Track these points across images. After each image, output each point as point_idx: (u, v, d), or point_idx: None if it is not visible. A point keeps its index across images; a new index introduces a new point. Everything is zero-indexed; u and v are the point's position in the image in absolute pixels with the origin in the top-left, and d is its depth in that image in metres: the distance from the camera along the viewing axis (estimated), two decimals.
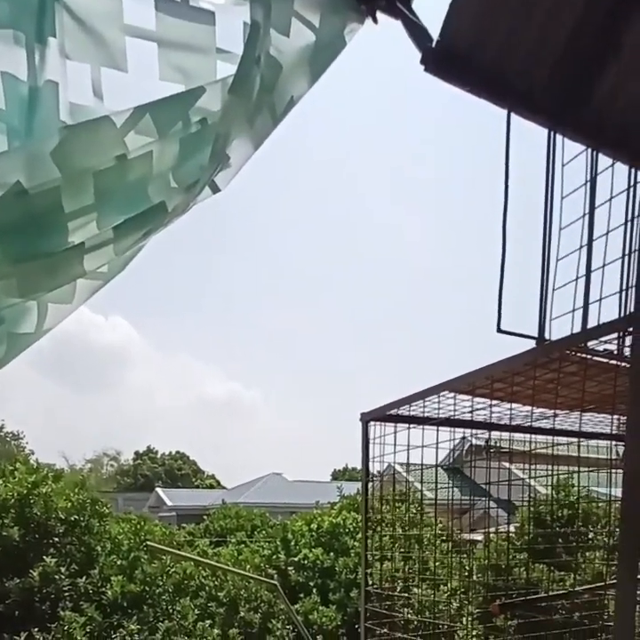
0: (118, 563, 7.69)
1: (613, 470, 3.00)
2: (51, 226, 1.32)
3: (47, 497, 7.47)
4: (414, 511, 7.08)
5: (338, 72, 1.65)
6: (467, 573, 6.32)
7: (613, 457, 3.49)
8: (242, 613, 7.91)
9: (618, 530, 2.07)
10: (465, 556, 6.24)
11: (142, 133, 1.35)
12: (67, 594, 7.07)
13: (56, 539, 7.43)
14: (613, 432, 3.43)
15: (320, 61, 1.57)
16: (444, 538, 6.57)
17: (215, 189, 1.63)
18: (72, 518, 7.64)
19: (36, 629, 6.57)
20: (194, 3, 1.39)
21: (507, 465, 3.64)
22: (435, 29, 1.70)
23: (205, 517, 15.92)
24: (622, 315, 2.31)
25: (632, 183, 2.27)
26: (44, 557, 7.05)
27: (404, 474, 5.37)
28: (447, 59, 1.74)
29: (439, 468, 3.64)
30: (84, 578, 7.27)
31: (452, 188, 52.13)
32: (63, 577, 7.07)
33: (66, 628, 6.66)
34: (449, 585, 6.14)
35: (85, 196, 1.33)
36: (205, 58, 1.44)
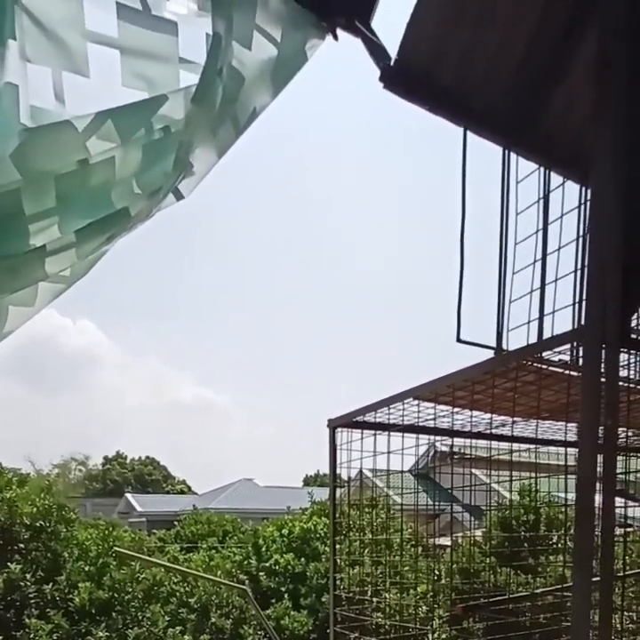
0: (86, 569, 7.60)
1: (569, 476, 3.07)
2: (11, 228, 1.32)
3: (11, 502, 7.35)
4: (384, 516, 7.14)
5: (304, 85, 1.69)
6: (435, 577, 6.37)
7: (569, 463, 3.57)
8: (213, 619, 7.86)
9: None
10: (433, 560, 6.29)
11: (104, 138, 1.36)
12: (33, 601, 6.96)
13: (21, 545, 7.32)
14: (568, 439, 3.51)
15: (282, 75, 1.60)
16: (413, 543, 6.62)
17: (179, 196, 1.65)
18: (38, 524, 7.53)
19: (1, 638, 6.45)
20: (156, 12, 1.41)
21: (474, 471, 3.70)
22: (394, 48, 1.75)
23: (176, 523, 15.79)
24: (575, 326, 2.38)
25: (582, 201, 2.35)
26: (9, 564, 6.93)
27: (374, 479, 5.42)
28: (404, 77, 1.79)
29: (408, 473, 3.68)
30: (51, 584, 7.17)
31: (414, 201, 52.98)
32: (29, 583, 6.96)
33: (32, 635, 6.56)
34: (418, 589, 6.19)
35: (47, 199, 1.34)
36: (168, 67, 1.46)
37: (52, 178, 1.33)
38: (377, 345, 64.08)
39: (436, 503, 4.04)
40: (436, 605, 6.21)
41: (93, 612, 7.16)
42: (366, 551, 6.57)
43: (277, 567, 9.17)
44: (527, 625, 5.62)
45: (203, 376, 69.10)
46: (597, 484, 2.05)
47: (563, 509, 6.83)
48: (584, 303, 2.34)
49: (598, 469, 2.04)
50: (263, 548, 9.74)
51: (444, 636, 6.30)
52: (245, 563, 9.38)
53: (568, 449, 3.12)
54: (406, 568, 5.43)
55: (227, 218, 60.36)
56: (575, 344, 2.18)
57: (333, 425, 3.44)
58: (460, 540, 6.60)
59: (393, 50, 1.73)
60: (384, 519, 7.12)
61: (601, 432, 2.06)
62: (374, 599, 5.98)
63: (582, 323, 2.36)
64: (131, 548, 8.16)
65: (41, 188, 1.33)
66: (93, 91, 1.45)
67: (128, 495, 34.77)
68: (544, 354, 2.22)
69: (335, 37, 1.62)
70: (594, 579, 2.14)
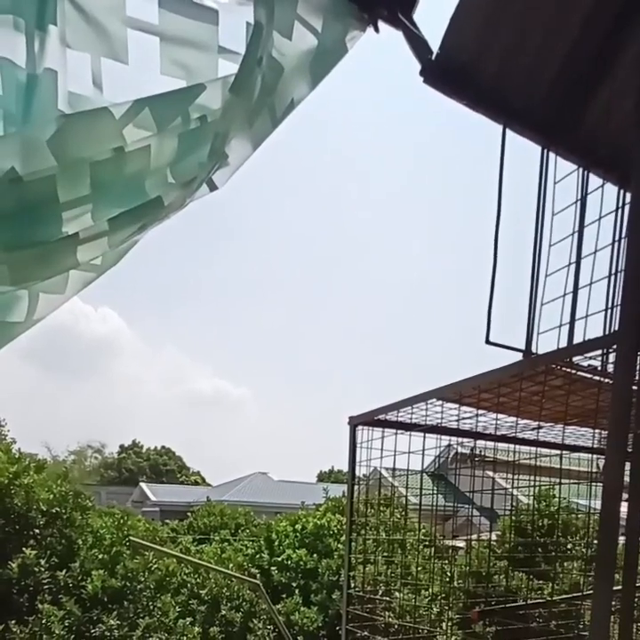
0: (100, 557, 7.65)
1: (593, 483, 3.03)
2: (45, 214, 1.32)
3: (29, 488, 7.41)
4: (398, 516, 7.12)
5: (340, 77, 1.66)
6: (448, 579, 6.34)
7: (594, 470, 3.52)
8: (223, 612, 7.90)
9: (596, 541, 2.09)
10: (447, 561, 6.26)
11: (141, 127, 1.35)
12: (46, 587, 7.02)
13: (36, 530, 7.38)
14: (594, 446, 3.46)
15: (321, 66, 1.58)
16: (427, 543, 6.59)
17: (212, 187, 1.64)
18: (54, 510, 7.59)
19: (14, 622, 6.52)
20: (197, 0, 1.40)
21: (490, 474, 3.66)
22: (435, 42, 1.72)
23: (189, 514, 15.88)
24: (607, 332, 2.34)
25: (620, 205, 2.30)
26: (24, 549, 7.00)
27: (390, 479, 5.39)
28: (446, 72, 1.76)
29: (424, 474, 3.65)
30: (65, 571, 7.22)
31: (448, 199, 52.55)
32: (43, 569, 7.02)
33: (44, 621, 6.61)
34: (430, 590, 6.16)
35: (81, 186, 1.33)
36: (207, 55, 1.44)
37: (88, 165, 1.33)
38: (400, 345, 63.99)
39: (453, 505, 4.01)
40: (447, 607, 6.18)
41: (105, 600, 7.20)
42: (379, 550, 6.55)
43: (289, 562, 9.18)
44: (538, 631, 5.56)
45: (222, 368, 69.52)
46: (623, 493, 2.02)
47: (579, 516, 6.77)
48: (617, 309, 2.29)
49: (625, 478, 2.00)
50: (276, 543, 9.76)
51: (453, 638, 6.26)
52: (257, 556, 9.42)
53: (593, 456, 3.08)
54: (419, 569, 5.40)
55: (255, 209, 60.58)
56: (606, 350, 2.14)
57: (354, 422, 3.42)
58: (473, 543, 6.56)
59: (433, 44, 1.70)
60: (399, 518, 7.10)
61: (630, 440, 2.02)
62: (385, 598, 5.97)
63: (614, 328, 2.32)
64: (144, 538, 8.21)
65: (76, 175, 1.32)
66: (131, 78, 1.44)
67: (142, 484, 35.08)
68: (574, 359, 2.18)
69: (376, 29, 1.59)
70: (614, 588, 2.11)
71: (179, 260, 63.21)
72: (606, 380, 2.27)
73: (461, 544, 6.98)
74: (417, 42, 1.67)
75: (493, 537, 7.02)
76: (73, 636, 6.75)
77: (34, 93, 1.33)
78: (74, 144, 1.28)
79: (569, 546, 7.15)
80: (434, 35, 1.69)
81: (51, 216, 1.34)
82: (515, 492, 4.25)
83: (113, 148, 1.33)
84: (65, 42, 1.33)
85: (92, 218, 1.40)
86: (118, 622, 6.95)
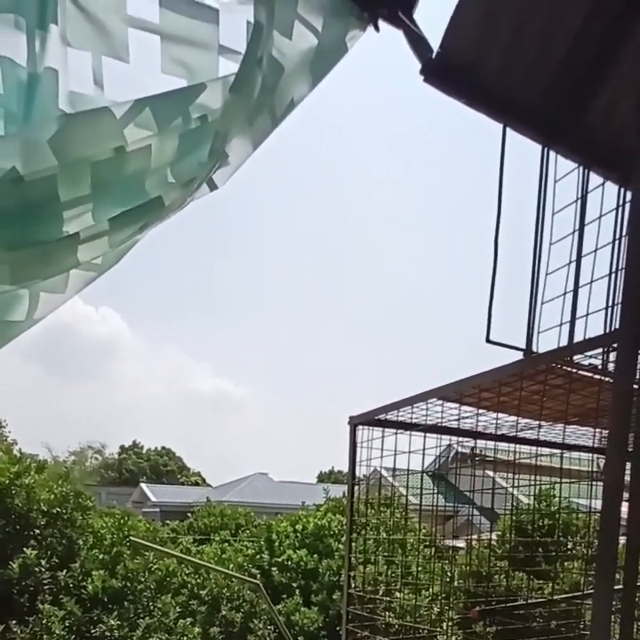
0: (100, 557, 7.65)
1: (594, 482, 3.03)
2: (46, 214, 1.32)
3: (29, 488, 7.41)
4: (399, 516, 7.11)
5: (340, 77, 1.66)
6: (448, 579, 6.34)
7: (594, 469, 3.52)
8: (223, 612, 7.90)
9: (596, 541, 2.09)
10: (447, 561, 6.26)
11: (142, 126, 1.35)
12: (46, 587, 7.02)
13: (37, 531, 7.38)
14: (595, 445, 3.46)
15: (321, 65, 1.58)
16: (427, 543, 6.59)
17: (213, 187, 1.64)
18: (54, 510, 7.59)
19: (14, 622, 6.52)
20: None
21: (490, 473, 3.66)
22: (435, 40, 1.72)
23: (189, 515, 15.87)
24: (608, 331, 2.34)
25: (621, 203, 2.31)
26: (25, 549, 7.00)
27: (390, 478, 5.39)
28: (446, 71, 1.77)
29: (424, 474, 3.65)
30: (65, 571, 7.23)
31: (448, 198, 52.57)
32: (43, 570, 7.03)
33: (44, 621, 6.62)
34: (431, 590, 6.16)
35: (82, 186, 1.33)
36: (208, 54, 1.44)
37: (89, 165, 1.33)
38: (400, 345, 63.97)
39: (454, 505, 4.01)
40: (447, 607, 6.18)
41: (106, 600, 7.21)
42: (380, 550, 6.55)
43: (290, 563, 9.18)
44: (538, 631, 5.57)
45: (222, 368, 69.47)
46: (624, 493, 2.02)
47: (579, 516, 6.77)
48: (618, 307, 2.29)
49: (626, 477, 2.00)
50: (276, 543, 9.76)
51: (453, 638, 6.26)
52: (258, 557, 9.42)
53: (594, 455, 3.08)
54: (419, 569, 5.40)
55: (256, 208, 60.45)
56: (607, 348, 2.14)
57: (354, 422, 3.42)
58: (474, 543, 6.56)
59: (433, 43, 1.70)
60: (399, 519, 7.10)
61: (631, 439, 2.02)
62: (386, 598, 5.97)
63: (615, 327, 2.32)
64: (145, 538, 8.21)
65: (77, 175, 1.32)
66: (132, 77, 1.44)
67: (143, 485, 35.08)
68: (575, 357, 2.18)
69: (376, 28, 1.59)
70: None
71: (180, 260, 63.24)
72: (607, 379, 2.27)
73: (462, 544, 6.98)
74: (417, 41, 1.67)
75: (494, 537, 7.01)
76: (73, 636, 6.75)
77: (35, 93, 1.32)
78: (75, 144, 1.28)
79: (569, 545, 7.16)
80: (434, 33, 1.70)
81: (51, 216, 1.34)
82: (515, 491, 4.25)
83: (114, 148, 1.33)
84: (66, 41, 1.33)
85: (93, 217, 1.40)
86: (118, 622, 6.95)
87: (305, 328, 69.31)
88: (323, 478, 42.80)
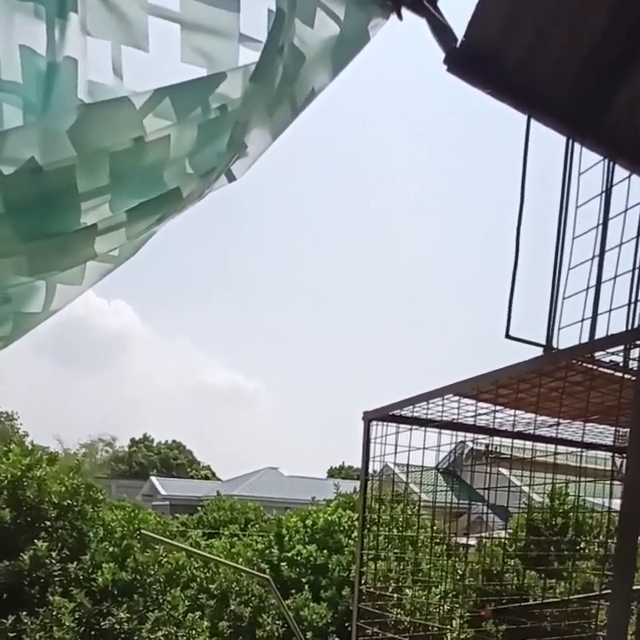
0: (110, 550, 7.69)
1: (612, 481, 2.99)
2: (64, 205, 1.30)
3: (41, 480, 7.45)
4: (410, 512, 7.09)
5: (362, 66, 1.63)
6: (459, 577, 6.32)
7: (612, 468, 3.48)
8: (232, 606, 7.92)
9: (611, 541, 2.07)
10: (458, 559, 6.24)
11: (161, 116, 1.33)
12: (57, 579, 7.06)
13: (48, 523, 7.41)
14: (615, 444, 3.42)
15: (343, 54, 1.55)
16: (438, 541, 6.57)
17: (231, 178, 1.62)
18: (65, 503, 7.62)
19: (25, 613, 6.57)
20: None
21: (504, 471, 3.63)
22: (459, 29, 1.68)
23: (199, 508, 15.94)
24: (630, 327, 2.30)
25: None
26: (36, 541, 7.04)
27: (401, 475, 5.37)
28: (471, 60, 1.73)
29: (436, 470, 3.63)
30: (75, 563, 7.26)
31: (470, 190, 52.20)
32: (54, 561, 7.06)
33: (54, 613, 6.66)
34: (441, 587, 6.14)
35: (100, 176, 1.32)
36: (228, 43, 1.42)
37: (107, 155, 1.31)
38: (417, 339, 63.73)
39: (468, 502, 3.98)
40: (457, 605, 6.16)
41: (115, 592, 7.23)
42: (390, 546, 6.53)
43: (299, 558, 9.19)
44: (550, 631, 5.53)
45: (235, 361, 69.58)
46: None
47: (593, 514, 6.72)
48: None
49: None
50: (286, 538, 9.77)
51: (463, 636, 6.24)
52: (267, 551, 9.42)
53: (612, 453, 3.04)
54: (429, 566, 5.38)
55: (270, 201, 60.32)
56: (629, 345, 2.10)
57: (369, 417, 3.39)
58: (484, 541, 6.53)
59: (458, 32, 1.67)
60: (410, 515, 7.08)
61: None
62: (396, 595, 5.96)
63: (637, 324, 2.28)
64: (155, 532, 8.24)
65: (95, 166, 1.31)
66: (152, 66, 1.42)
67: (153, 478, 35.30)
68: (596, 354, 2.15)
69: (400, 17, 1.56)
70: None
71: (192, 253, 63.27)
72: (628, 376, 2.24)
73: (473, 542, 6.95)
74: (441, 29, 1.64)
75: (506, 535, 6.98)
76: (83, 629, 6.79)
77: (54, 82, 1.31)
78: (94, 134, 1.27)
79: (582, 545, 7.11)
80: (458, 22, 1.66)
81: (69, 206, 1.32)
82: (528, 489, 4.22)
83: (133, 138, 1.31)
84: (85, 30, 1.32)
85: (111, 208, 1.39)
86: (128, 615, 6.98)
87: (319, 322, 69.29)
88: (333, 473, 42.90)
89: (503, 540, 6.75)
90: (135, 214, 1.40)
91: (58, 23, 1.29)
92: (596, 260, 2.23)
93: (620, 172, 2.22)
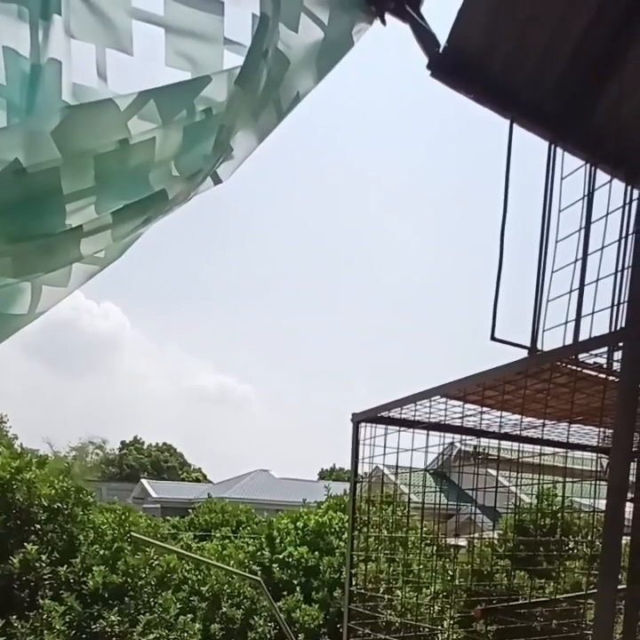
0: (101, 553, 7.64)
1: (597, 482, 3.02)
2: (49, 206, 1.31)
3: (30, 483, 7.40)
4: (400, 514, 7.11)
5: (345, 71, 1.64)
6: (449, 577, 6.34)
7: (597, 469, 3.51)
8: (224, 609, 7.90)
9: (598, 540, 2.09)
10: (448, 560, 6.26)
11: (146, 119, 1.33)
12: (47, 582, 7.02)
13: (38, 526, 7.37)
14: (599, 444, 3.45)
15: (327, 59, 1.56)
16: (429, 541, 6.58)
17: (217, 180, 1.63)
18: (55, 506, 7.58)
19: (14, 617, 6.52)
20: None
21: (493, 472, 3.65)
22: (443, 35, 1.70)
23: (190, 511, 15.90)
24: (613, 329, 2.33)
25: (628, 201, 2.29)
26: (25, 544, 7.00)
27: (391, 476, 5.39)
28: (453, 65, 1.75)
29: (426, 472, 3.64)
30: (66, 566, 7.22)
31: (452, 194, 52.42)
32: (44, 565, 7.01)
33: (45, 616, 6.61)
34: (432, 588, 6.16)
35: (85, 178, 1.32)
36: (213, 47, 1.43)
37: (92, 157, 1.31)
38: (404, 342, 63.91)
39: (456, 503, 4.00)
40: (448, 606, 6.18)
41: (106, 595, 7.20)
42: (380, 548, 6.55)
43: (291, 559, 9.18)
44: (539, 630, 5.56)
45: (225, 364, 69.42)
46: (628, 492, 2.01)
47: (581, 515, 6.76)
48: (624, 305, 2.28)
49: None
50: (277, 540, 9.76)
51: (454, 636, 6.26)
52: (258, 554, 9.41)
53: (598, 454, 3.06)
54: (420, 567, 5.39)
55: (258, 204, 60.38)
56: (612, 347, 2.12)
57: (357, 419, 3.41)
58: (475, 541, 6.55)
59: (441, 37, 1.69)
60: (400, 516, 7.09)
61: (636, 438, 2.01)
62: (386, 596, 5.97)
63: (621, 325, 2.31)
64: (146, 534, 8.20)
65: (80, 167, 1.31)
66: (136, 69, 1.43)
67: (143, 481, 35.15)
68: (580, 356, 2.17)
69: (383, 22, 1.57)
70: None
71: (182, 255, 63.05)
72: (612, 378, 2.26)
73: (463, 542, 6.98)
74: (424, 35, 1.65)
75: (495, 535, 7.01)
76: (73, 632, 6.75)
77: (38, 84, 1.31)
78: (78, 136, 1.27)
79: (571, 545, 7.15)
80: (441, 28, 1.68)
81: (54, 208, 1.32)
82: (516, 490, 4.24)
83: (117, 141, 1.32)
84: (69, 32, 1.32)
85: (96, 210, 1.39)
86: (119, 618, 6.95)
87: (309, 324, 69.38)
88: (324, 475, 42.86)
89: (493, 541, 6.79)
90: (121, 216, 1.40)
91: (41, 25, 1.29)
92: (579, 263, 2.26)
93: (602, 177, 2.25)
